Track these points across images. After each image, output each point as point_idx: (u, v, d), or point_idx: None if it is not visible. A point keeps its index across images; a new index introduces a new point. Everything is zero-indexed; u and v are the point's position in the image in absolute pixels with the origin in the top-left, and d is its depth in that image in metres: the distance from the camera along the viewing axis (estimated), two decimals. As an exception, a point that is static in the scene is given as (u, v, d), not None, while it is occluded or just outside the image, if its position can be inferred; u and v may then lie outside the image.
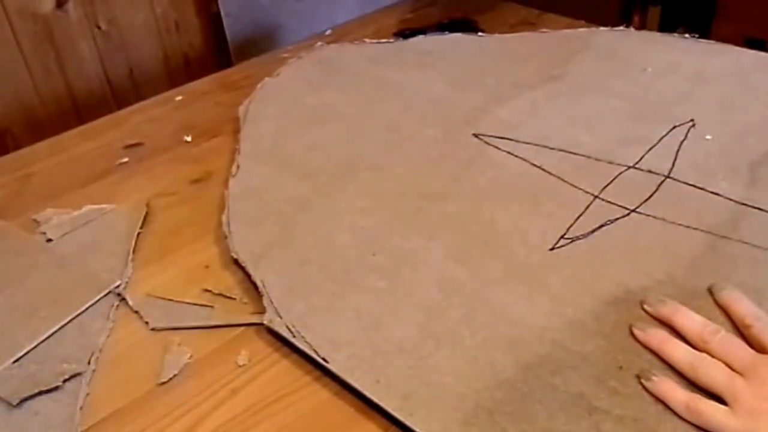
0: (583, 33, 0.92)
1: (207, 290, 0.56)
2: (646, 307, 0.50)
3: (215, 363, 0.50)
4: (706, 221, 0.59)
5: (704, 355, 0.45)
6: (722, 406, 0.42)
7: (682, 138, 0.68)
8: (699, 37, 0.87)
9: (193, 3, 0.97)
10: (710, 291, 0.51)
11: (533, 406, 0.44)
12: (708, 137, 0.68)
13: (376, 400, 0.45)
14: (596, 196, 0.62)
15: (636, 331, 0.48)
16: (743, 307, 0.48)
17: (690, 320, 0.48)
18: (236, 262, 0.58)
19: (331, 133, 0.75)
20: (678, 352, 0.46)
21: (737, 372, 0.43)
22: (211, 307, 0.55)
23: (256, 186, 0.67)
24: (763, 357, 0.43)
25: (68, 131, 0.81)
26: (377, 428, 0.45)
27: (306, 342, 0.50)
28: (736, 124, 0.71)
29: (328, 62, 0.90)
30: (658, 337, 0.47)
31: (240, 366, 0.50)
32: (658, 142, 0.64)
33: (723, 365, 0.44)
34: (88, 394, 0.49)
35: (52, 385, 0.49)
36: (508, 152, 0.69)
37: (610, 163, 0.66)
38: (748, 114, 0.72)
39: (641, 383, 0.45)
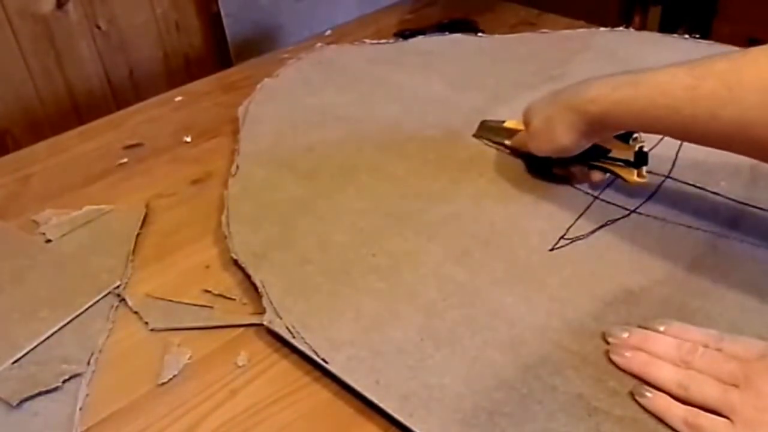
0: (583, 33, 0.92)
1: (207, 291, 0.56)
2: (610, 339, 0.48)
3: (215, 363, 0.50)
4: (706, 221, 0.59)
5: (692, 372, 0.44)
6: (721, 419, 0.41)
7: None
8: (700, 38, 0.87)
9: (194, 3, 0.97)
10: (647, 328, 0.48)
11: (533, 407, 0.44)
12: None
13: (375, 400, 0.45)
14: (596, 197, 0.62)
15: (614, 357, 0.47)
16: (695, 334, 0.46)
17: (663, 344, 0.46)
18: (236, 262, 0.58)
19: (331, 134, 0.75)
20: (663, 372, 0.44)
21: (728, 385, 0.42)
22: (211, 307, 0.55)
23: (256, 186, 0.67)
24: (753, 365, 0.42)
25: (68, 132, 0.81)
26: (377, 429, 0.45)
27: (306, 342, 0.50)
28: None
29: (328, 63, 0.90)
30: (638, 360, 0.46)
31: (239, 366, 0.50)
32: (658, 143, 0.64)
33: (714, 380, 0.43)
34: (87, 395, 0.49)
35: (52, 386, 0.49)
36: (508, 153, 0.69)
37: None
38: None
39: (636, 400, 0.44)
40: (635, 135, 0.58)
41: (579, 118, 0.55)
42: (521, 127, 0.65)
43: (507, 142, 0.69)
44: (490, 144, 0.71)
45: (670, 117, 0.49)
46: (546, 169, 0.65)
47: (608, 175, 0.61)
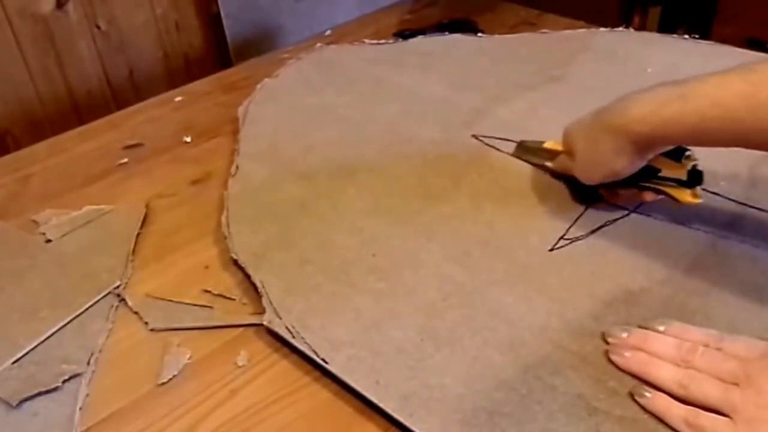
0: (583, 34, 0.93)
1: (206, 291, 0.56)
2: (609, 339, 0.48)
3: (215, 363, 0.50)
4: (706, 221, 0.59)
5: (692, 371, 0.44)
6: (722, 418, 0.41)
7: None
8: (699, 38, 0.87)
9: (193, 4, 0.97)
10: (647, 328, 0.48)
11: (532, 407, 0.44)
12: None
13: (375, 400, 0.45)
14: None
15: (614, 357, 0.47)
16: (695, 334, 0.46)
17: (663, 344, 0.46)
18: (236, 262, 0.58)
19: (331, 134, 0.75)
20: (663, 372, 0.44)
21: (728, 383, 0.42)
22: (211, 307, 0.55)
23: (256, 187, 0.67)
24: (753, 364, 0.42)
25: (68, 132, 0.81)
26: (377, 429, 0.45)
27: (305, 343, 0.50)
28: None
29: (328, 63, 0.90)
30: (637, 360, 0.46)
31: (239, 366, 0.50)
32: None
33: (714, 379, 0.43)
34: (87, 395, 0.49)
35: (52, 386, 0.49)
36: (508, 153, 0.69)
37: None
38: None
39: (635, 401, 0.44)
40: (687, 153, 0.54)
41: (626, 140, 0.52)
42: (561, 147, 0.62)
43: (548, 164, 0.65)
44: (530, 164, 0.67)
45: (727, 128, 0.47)
46: (592, 193, 0.61)
47: (661, 195, 0.57)
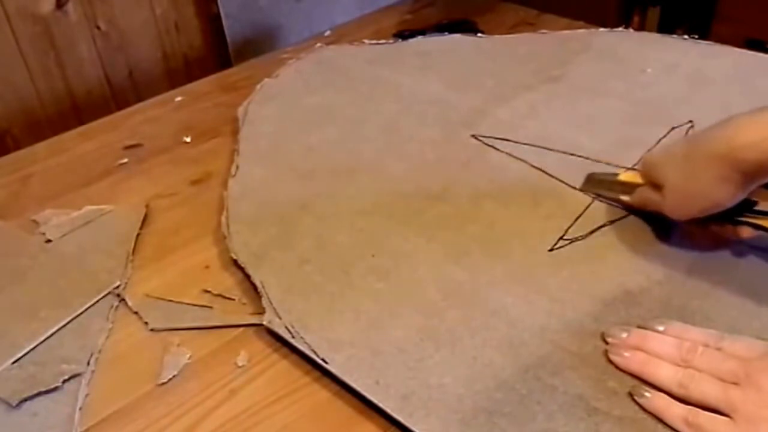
0: (583, 34, 0.93)
1: (206, 291, 0.56)
2: (609, 339, 0.48)
3: (214, 363, 0.51)
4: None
5: (691, 371, 0.44)
6: (721, 417, 0.41)
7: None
8: (698, 38, 0.87)
9: (193, 4, 0.97)
10: (646, 328, 0.48)
11: (532, 408, 0.44)
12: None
13: (375, 400, 0.45)
14: (595, 197, 0.62)
15: (613, 357, 0.47)
16: (695, 334, 0.46)
17: (663, 344, 0.46)
18: (236, 262, 0.58)
19: (330, 134, 0.75)
20: (662, 371, 0.44)
21: (728, 383, 0.42)
22: (211, 307, 0.55)
23: (256, 187, 0.67)
24: (753, 363, 0.42)
25: (68, 132, 0.81)
26: (376, 429, 0.45)
27: (305, 342, 0.50)
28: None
29: (327, 63, 0.90)
30: (637, 360, 0.46)
31: (239, 366, 0.50)
32: (656, 144, 0.64)
33: (714, 378, 0.43)
34: (87, 395, 0.49)
35: (52, 386, 0.49)
36: (507, 153, 0.69)
37: (609, 164, 0.66)
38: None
39: (635, 401, 0.44)
40: None
41: (732, 168, 0.47)
42: (639, 179, 0.58)
43: (624, 198, 0.60)
44: (602, 200, 0.62)
45: None
46: (675, 229, 0.57)
47: (759, 231, 0.52)
